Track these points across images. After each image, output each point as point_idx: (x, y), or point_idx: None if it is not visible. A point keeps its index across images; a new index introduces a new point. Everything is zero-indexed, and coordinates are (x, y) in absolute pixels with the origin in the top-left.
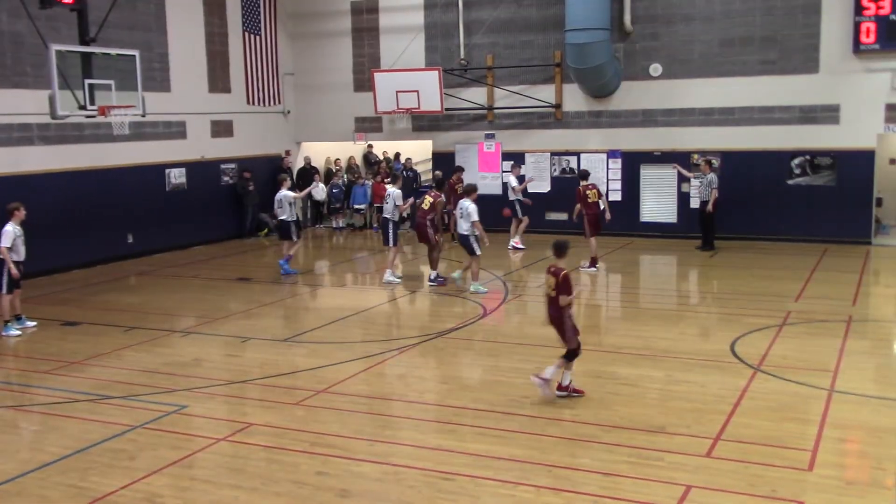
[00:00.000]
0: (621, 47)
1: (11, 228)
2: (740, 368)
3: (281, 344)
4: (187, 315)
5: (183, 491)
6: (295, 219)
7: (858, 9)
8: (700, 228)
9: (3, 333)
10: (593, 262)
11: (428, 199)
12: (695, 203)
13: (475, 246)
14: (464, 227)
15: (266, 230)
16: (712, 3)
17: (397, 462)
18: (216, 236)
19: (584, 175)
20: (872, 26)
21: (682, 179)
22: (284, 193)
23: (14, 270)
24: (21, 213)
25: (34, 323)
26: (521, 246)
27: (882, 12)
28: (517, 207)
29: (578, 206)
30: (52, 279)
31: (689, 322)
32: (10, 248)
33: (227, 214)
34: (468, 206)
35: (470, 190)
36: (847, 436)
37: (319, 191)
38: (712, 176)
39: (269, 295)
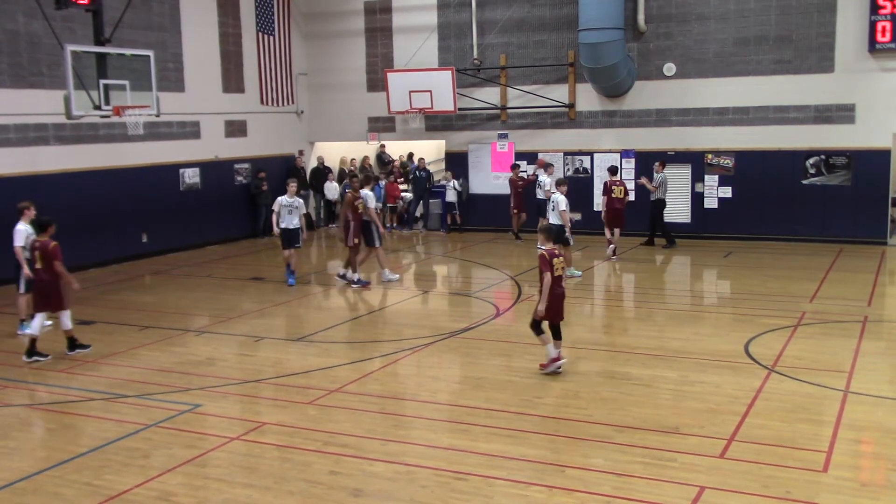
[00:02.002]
0: (635, 47)
1: (23, 228)
2: (754, 369)
3: (294, 343)
4: (201, 314)
5: (196, 490)
6: (295, 226)
7: (874, 7)
8: (655, 226)
9: (20, 332)
10: (614, 251)
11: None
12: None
13: (568, 237)
14: (553, 219)
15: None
16: (727, 2)
17: (410, 461)
18: (230, 236)
19: (613, 170)
20: (888, 25)
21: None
22: (280, 201)
23: (27, 270)
24: (31, 213)
25: (49, 322)
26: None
27: None
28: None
29: (605, 198)
30: None
31: (702, 322)
32: (23, 247)
33: (240, 214)
34: (558, 198)
35: (560, 183)
36: (862, 437)
37: (332, 190)
38: (663, 175)
39: (282, 294)
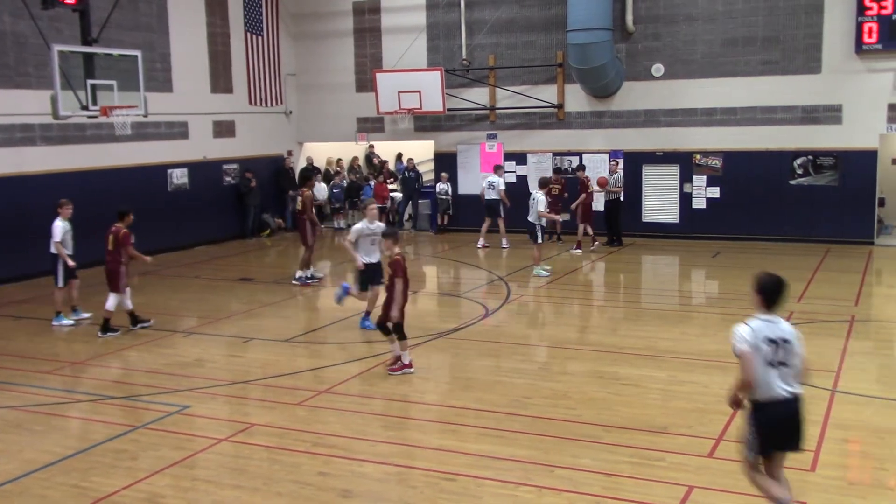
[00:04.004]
0: (623, 47)
1: (61, 224)
2: None
3: (283, 344)
4: (189, 315)
5: (185, 491)
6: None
7: (861, 9)
8: (606, 225)
9: (55, 323)
10: (579, 245)
11: (300, 199)
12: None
13: (539, 235)
14: (532, 218)
15: (268, 231)
16: (714, 3)
17: (399, 462)
18: (218, 237)
19: (583, 167)
20: (875, 26)
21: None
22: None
23: (70, 262)
24: (68, 210)
25: (89, 315)
26: (486, 245)
27: (884, 12)
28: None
29: (584, 195)
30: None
31: (691, 322)
32: (61, 243)
33: (229, 215)
34: (539, 198)
35: (543, 183)
36: (850, 436)
37: (321, 191)
38: (619, 175)
39: (270, 295)
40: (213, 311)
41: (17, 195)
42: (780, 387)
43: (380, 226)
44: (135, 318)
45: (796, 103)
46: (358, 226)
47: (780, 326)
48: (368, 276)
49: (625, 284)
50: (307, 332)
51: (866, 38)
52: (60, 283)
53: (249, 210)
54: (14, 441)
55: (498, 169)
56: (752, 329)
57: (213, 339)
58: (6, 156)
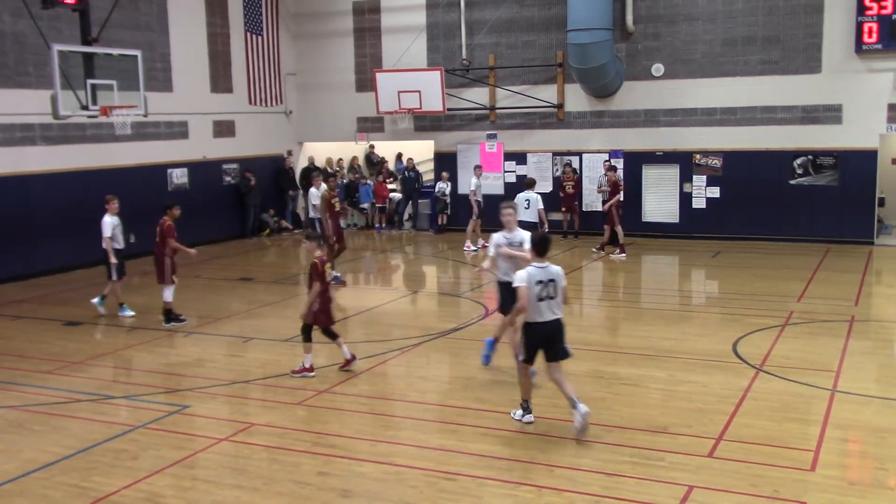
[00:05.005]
0: (623, 47)
1: (109, 219)
2: (742, 368)
3: (283, 344)
4: (190, 315)
5: (185, 491)
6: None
7: (861, 8)
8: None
9: (121, 314)
10: (623, 249)
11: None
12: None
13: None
14: (527, 217)
15: (268, 230)
16: (714, 3)
17: (399, 462)
18: (218, 236)
19: (615, 168)
20: (875, 26)
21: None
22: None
23: (113, 259)
24: (115, 205)
25: (132, 313)
26: (473, 247)
27: (884, 12)
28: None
29: (617, 196)
30: (55, 279)
31: (691, 322)
32: (111, 238)
33: (229, 214)
34: (534, 196)
35: (532, 182)
36: (849, 436)
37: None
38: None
39: (270, 295)
40: (213, 310)
41: (17, 195)
42: (546, 313)
43: (520, 235)
44: (168, 315)
45: (796, 103)
46: (496, 237)
47: (549, 270)
48: (511, 297)
49: (625, 284)
50: None
51: (866, 38)
52: (115, 277)
53: (249, 210)
54: (14, 441)
55: (476, 169)
56: (528, 273)
57: (214, 339)
58: (6, 155)
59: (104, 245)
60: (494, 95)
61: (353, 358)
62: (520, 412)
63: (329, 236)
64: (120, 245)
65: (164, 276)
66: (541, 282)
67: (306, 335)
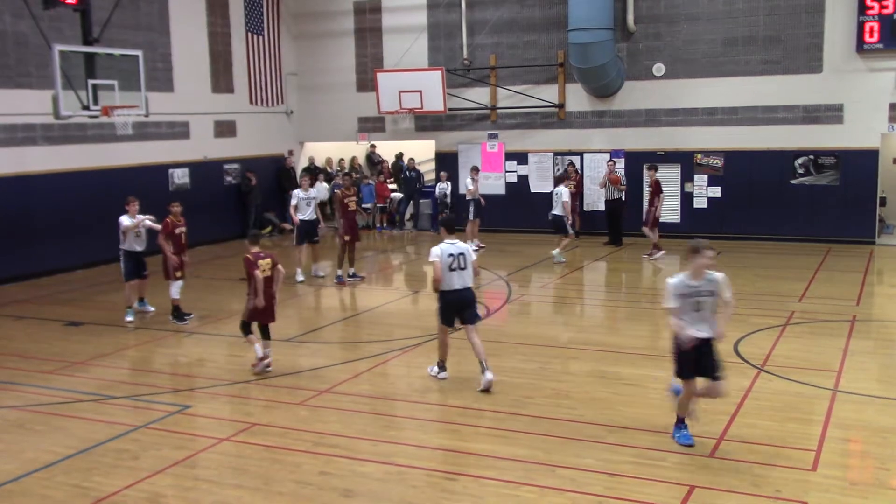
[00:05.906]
0: (624, 47)
1: (125, 219)
2: (744, 368)
3: (284, 344)
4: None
5: (186, 491)
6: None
7: (862, 8)
8: (608, 224)
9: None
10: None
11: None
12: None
13: (569, 227)
14: (557, 210)
15: (269, 229)
16: (715, 3)
17: (401, 462)
18: (219, 236)
19: (655, 167)
20: (876, 26)
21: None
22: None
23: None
24: (135, 207)
25: (152, 309)
26: (482, 245)
27: (885, 11)
28: (471, 209)
29: (659, 197)
30: (56, 279)
31: None
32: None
33: (230, 214)
34: (562, 190)
35: (562, 177)
36: (851, 436)
37: (322, 190)
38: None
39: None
40: (215, 310)
41: (18, 195)
42: (457, 283)
43: (712, 278)
44: (176, 311)
45: (797, 103)
46: (673, 281)
47: (458, 246)
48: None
49: (626, 284)
50: (308, 332)
51: (867, 38)
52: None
53: (250, 210)
54: (15, 441)
55: (472, 170)
56: (441, 249)
57: (215, 339)
58: (8, 156)
59: (123, 245)
60: (495, 95)
61: (266, 358)
62: (436, 369)
63: (342, 235)
64: (141, 248)
65: (167, 273)
66: (451, 255)
67: (245, 330)
